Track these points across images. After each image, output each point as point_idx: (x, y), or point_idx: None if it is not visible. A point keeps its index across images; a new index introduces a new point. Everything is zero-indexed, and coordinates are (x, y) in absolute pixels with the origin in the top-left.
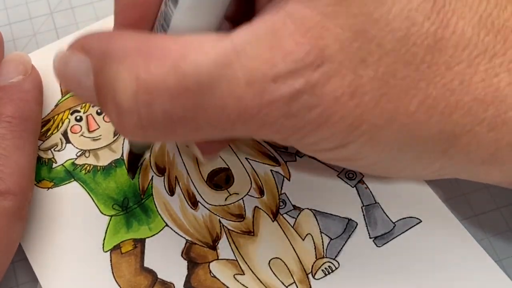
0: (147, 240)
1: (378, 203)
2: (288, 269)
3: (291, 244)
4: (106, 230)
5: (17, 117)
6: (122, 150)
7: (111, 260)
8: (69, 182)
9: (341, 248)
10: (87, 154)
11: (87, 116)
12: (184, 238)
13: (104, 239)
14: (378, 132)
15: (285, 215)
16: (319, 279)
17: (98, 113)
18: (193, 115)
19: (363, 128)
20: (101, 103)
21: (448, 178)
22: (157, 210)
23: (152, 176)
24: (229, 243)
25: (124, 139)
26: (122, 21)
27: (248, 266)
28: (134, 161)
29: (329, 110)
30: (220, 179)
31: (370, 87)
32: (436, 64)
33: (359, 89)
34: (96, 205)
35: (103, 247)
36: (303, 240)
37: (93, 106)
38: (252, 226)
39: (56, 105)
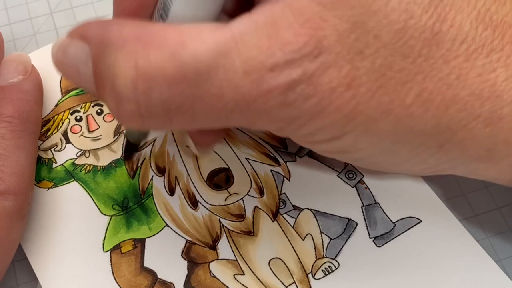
0: (147, 240)
1: (378, 203)
2: (288, 269)
3: (291, 244)
4: (106, 230)
5: (17, 117)
6: (122, 150)
7: (111, 260)
8: (69, 182)
9: (341, 248)
10: (87, 154)
11: (87, 116)
12: (184, 238)
13: (104, 239)
14: (374, 124)
15: (285, 215)
16: (319, 279)
17: (98, 113)
18: (191, 104)
19: (358, 120)
20: (100, 91)
21: (445, 175)
22: (157, 210)
23: (152, 176)
24: (229, 243)
25: (124, 139)
26: (121, 11)
27: (248, 266)
28: (131, 150)
29: (325, 100)
30: (220, 179)
31: (367, 79)
32: (433, 58)
33: (356, 80)
34: (96, 205)
35: (103, 247)
36: (303, 240)
37: (92, 105)
38: (252, 226)
39: (56, 105)
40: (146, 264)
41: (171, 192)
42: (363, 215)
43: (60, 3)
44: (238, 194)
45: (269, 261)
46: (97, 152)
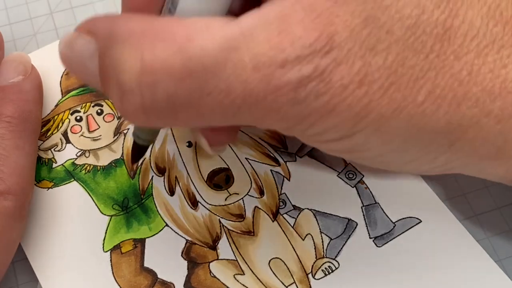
0: (147, 240)
1: (378, 203)
2: (288, 269)
3: (291, 244)
4: (106, 230)
5: (17, 117)
6: (122, 150)
7: (111, 260)
8: (69, 182)
9: (341, 248)
10: (87, 154)
11: (87, 116)
12: (184, 238)
13: (104, 239)
14: (385, 122)
15: (285, 215)
16: (319, 279)
17: (98, 113)
18: (197, 99)
19: (370, 118)
20: (104, 85)
21: (449, 176)
22: (157, 210)
23: (152, 176)
24: (229, 243)
25: (124, 138)
26: (129, 6)
27: (248, 266)
28: (139, 153)
29: (337, 98)
30: (220, 179)
31: (379, 75)
32: (444, 54)
33: (368, 77)
34: (96, 205)
35: (103, 247)
36: (303, 240)
37: (92, 105)
38: (252, 226)
39: (56, 105)
40: (146, 264)
41: (171, 192)
42: (363, 215)
43: (60, 3)
44: (238, 194)
45: (269, 261)
46: (97, 152)
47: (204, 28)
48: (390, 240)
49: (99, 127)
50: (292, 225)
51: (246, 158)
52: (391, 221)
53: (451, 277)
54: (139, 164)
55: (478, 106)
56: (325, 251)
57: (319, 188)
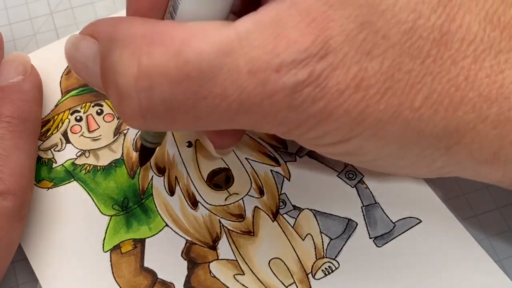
0: (147, 240)
1: (378, 203)
2: (288, 269)
3: (291, 244)
4: (106, 230)
5: (16, 117)
6: (122, 150)
7: (111, 260)
8: (69, 182)
9: (341, 248)
10: (87, 154)
11: (87, 116)
12: (184, 238)
13: (104, 239)
14: (382, 128)
15: (285, 215)
16: (319, 279)
17: (98, 113)
18: (193, 103)
19: (367, 123)
20: (105, 88)
21: (449, 177)
22: (157, 210)
23: (152, 176)
24: (229, 243)
25: (124, 138)
26: (134, 10)
27: (248, 266)
28: (146, 155)
29: (333, 103)
30: (220, 179)
31: (375, 80)
32: (441, 59)
33: (364, 82)
34: (96, 205)
35: (103, 247)
36: (303, 240)
37: (92, 105)
38: (252, 226)
39: (56, 105)
40: (146, 264)
41: (171, 192)
42: (363, 215)
43: (60, 3)
44: (238, 194)
45: (269, 261)
46: (97, 152)
47: (201, 32)
48: (390, 240)
49: (99, 127)
50: (292, 225)
51: (246, 158)
52: (391, 221)
53: (451, 277)
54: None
55: (475, 112)
56: (325, 251)
57: (319, 188)
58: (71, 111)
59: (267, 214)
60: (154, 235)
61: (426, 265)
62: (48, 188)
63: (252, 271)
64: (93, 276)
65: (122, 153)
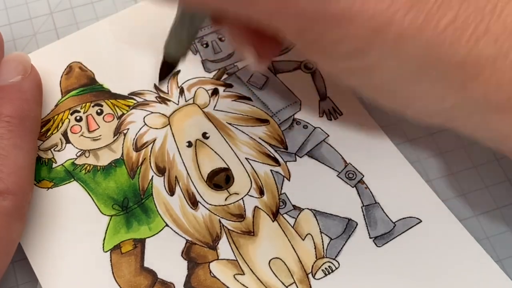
0: (147, 240)
1: (378, 203)
2: (288, 269)
3: (291, 244)
4: (106, 230)
5: (16, 117)
6: (122, 150)
7: (111, 260)
8: (69, 182)
9: (341, 248)
10: (87, 154)
11: (87, 116)
12: (184, 238)
13: (104, 239)
14: (404, 42)
15: (285, 215)
16: (319, 279)
17: (98, 113)
18: None
19: (389, 33)
20: None
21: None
22: (157, 210)
23: (152, 176)
24: (229, 243)
25: (124, 138)
26: None
27: (248, 266)
28: (166, 70)
29: (358, 6)
30: (220, 179)
31: None
32: None
33: None
34: (96, 205)
35: (103, 247)
36: (303, 240)
37: (92, 105)
38: (252, 226)
39: (56, 105)
40: (146, 264)
41: (171, 192)
42: (363, 215)
43: (60, 3)
44: (238, 194)
45: (269, 261)
46: (97, 152)
47: None
48: (390, 240)
49: (99, 127)
50: (292, 225)
51: (246, 158)
52: (391, 221)
53: (451, 277)
54: (139, 164)
55: (496, 46)
56: (325, 251)
57: (319, 188)
58: (71, 111)
59: (267, 214)
60: (154, 235)
61: (426, 265)
62: (48, 188)
63: (252, 271)
64: (93, 276)
65: (122, 153)
